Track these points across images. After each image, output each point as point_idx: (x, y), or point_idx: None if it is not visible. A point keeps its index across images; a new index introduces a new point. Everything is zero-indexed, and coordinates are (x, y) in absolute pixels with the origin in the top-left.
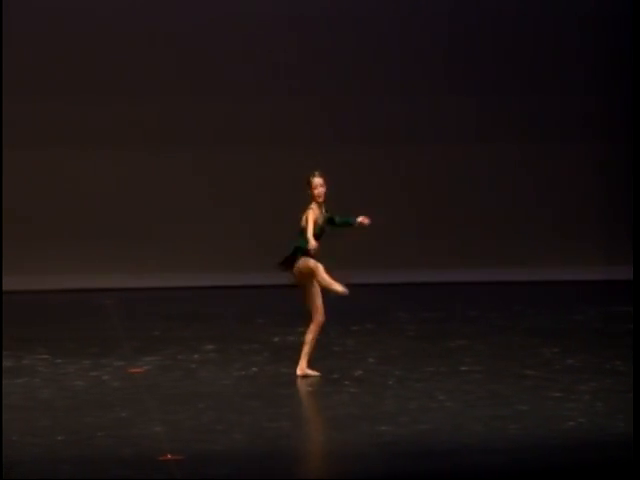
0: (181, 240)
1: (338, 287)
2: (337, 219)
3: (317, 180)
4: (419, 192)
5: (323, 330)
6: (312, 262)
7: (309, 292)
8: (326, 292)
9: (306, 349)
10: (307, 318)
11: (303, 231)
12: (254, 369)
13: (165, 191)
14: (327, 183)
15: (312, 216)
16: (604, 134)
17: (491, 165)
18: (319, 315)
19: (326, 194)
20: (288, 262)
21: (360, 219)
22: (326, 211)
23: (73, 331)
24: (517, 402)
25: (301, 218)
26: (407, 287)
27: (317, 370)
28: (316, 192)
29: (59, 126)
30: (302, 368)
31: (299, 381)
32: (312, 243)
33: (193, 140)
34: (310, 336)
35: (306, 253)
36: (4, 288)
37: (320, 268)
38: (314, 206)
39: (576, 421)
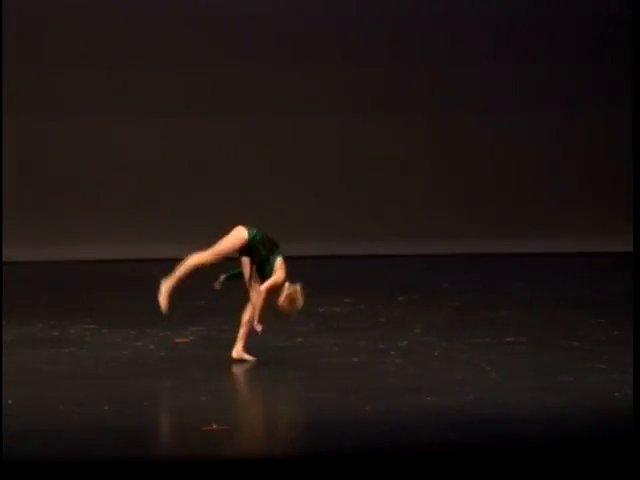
0: (230, 210)
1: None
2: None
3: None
4: (463, 161)
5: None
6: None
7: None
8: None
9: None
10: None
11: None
12: (299, 339)
13: (215, 160)
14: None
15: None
16: None
17: (532, 133)
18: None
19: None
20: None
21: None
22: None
23: (119, 301)
24: (562, 373)
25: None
26: (452, 258)
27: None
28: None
29: (107, 94)
30: (238, 350)
31: (344, 352)
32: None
33: (244, 107)
34: (247, 317)
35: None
36: (50, 258)
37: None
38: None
39: (622, 392)
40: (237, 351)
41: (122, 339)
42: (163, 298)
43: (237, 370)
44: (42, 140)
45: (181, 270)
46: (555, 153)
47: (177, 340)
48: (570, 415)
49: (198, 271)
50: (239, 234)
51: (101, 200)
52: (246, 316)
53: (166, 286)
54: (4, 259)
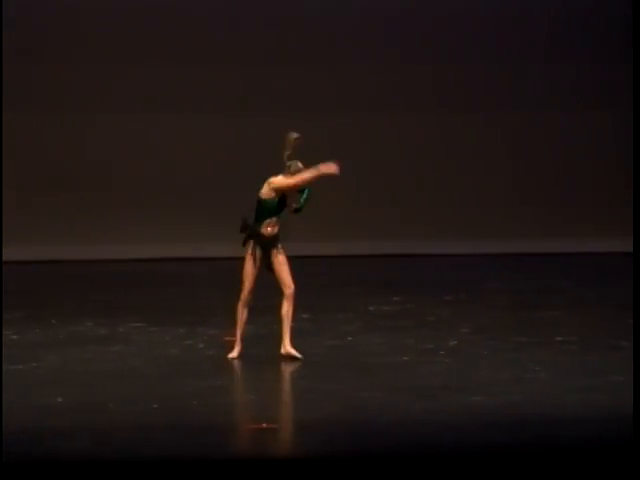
0: None
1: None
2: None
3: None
4: (507, 161)
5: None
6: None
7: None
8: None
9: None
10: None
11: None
12: (348, 338)
13: (252, 159)
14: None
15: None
16: None
17: (591, 133)
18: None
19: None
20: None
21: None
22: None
23: (168, 299)
24: (611, 373)
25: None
26: (499, 257)
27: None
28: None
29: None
30: (285, 346)
31: (392, 351)
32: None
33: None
34: (284, 310)
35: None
36: (98, 257)
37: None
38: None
39: None
40: (284, 347)
41: (171, 337)
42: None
43: (285, 369)
44: (82, 138)
45: (240, 325)
46: (606, 152)
47: (226, 338)
48: (619, 415)
49: (249, 304)
50: (246, 259)
51: (148, 199)
52: (284, 310)
53: (234, 354)
54: (46, 258)
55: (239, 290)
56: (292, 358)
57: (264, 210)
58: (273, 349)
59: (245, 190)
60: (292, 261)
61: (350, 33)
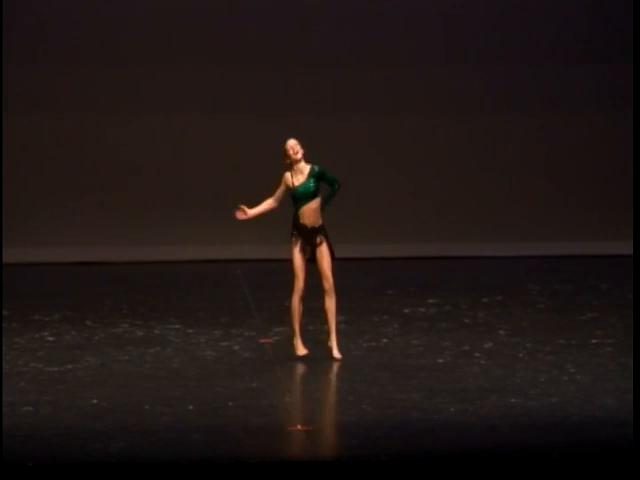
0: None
1: None
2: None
3: (291, 142)
4: (545, 163)
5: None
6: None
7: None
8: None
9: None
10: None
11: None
12: (384, 340)
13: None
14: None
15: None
16: None
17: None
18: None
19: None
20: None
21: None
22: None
23: (204, 301)
24: None
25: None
26: (537, 259)
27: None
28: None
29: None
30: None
31: (429, 352)
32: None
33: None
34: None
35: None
36: (134, 259)
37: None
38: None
39: None
40: (332, 341)
41: (207, 339)
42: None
43: (322, 370)
44: (118, 138)
45: (292, 321)
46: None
47: (262, 340)
48: None
49: (302, 301)
50: (292, 251)
51: (182, 200)
52: (326, 305)
53: (299, 349)
54: (82, 260)
55: (291, 286)
56: (332, 357)
57: (294, 201)
58: (310, 350)
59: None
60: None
61: (365, 32)
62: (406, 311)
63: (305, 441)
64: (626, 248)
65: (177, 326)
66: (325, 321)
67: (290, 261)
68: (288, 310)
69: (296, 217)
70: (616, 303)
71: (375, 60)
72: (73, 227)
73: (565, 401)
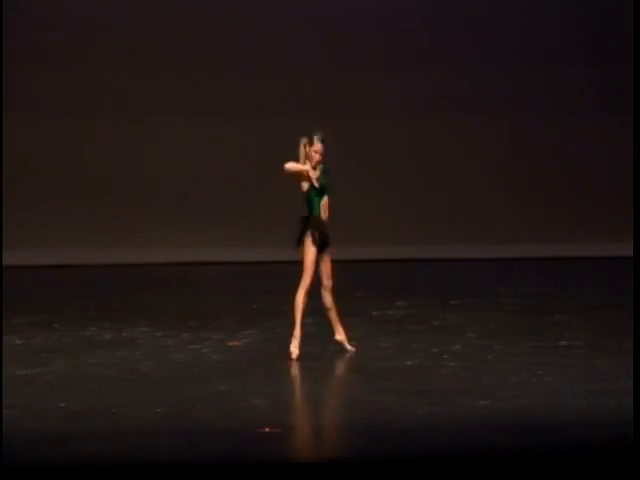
0: (282, 214)
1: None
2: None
3: (320, 146)
4: (516, 164)
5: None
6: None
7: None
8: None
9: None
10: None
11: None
12: (353, 343)
13: (263, 165)
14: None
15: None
16: None
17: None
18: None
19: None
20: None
21: None
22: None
23: (173, 304)
24: (617, 378)
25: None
26: (506, 261)
27: (418, 345)
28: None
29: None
30: (340, 332)
31: (398, 355)
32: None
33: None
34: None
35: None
36: (103, 262)
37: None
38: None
39: None
40: (339, 333)
41: (175, 342)
42: (295, 346)
43: (292, 373)
44: (87, 141)
45: (298, 315)
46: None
47: (230, 343)
48: (626, 420)
49: (309, 296)
50: (308, 245)
51: (152, 203)
52: (326, 300)
53: (295, 346)
54: (51, 263)
55: (297, 281)
56: (343, 347)
57: (309, 201)
58: (279, 353)
59: (262, 198)
60: (293, 266)
61: (370, 35)
62: (375, 313)
63: (274, 443)
64: (594, 250)
65: (146, 329)
66: (329, 318)
67: (305, 255)
68: (293, 305)
69: (317, 212)
70: (585, 305)
71: (364, 64)
72: (40, 230)
73: (534, 403)
